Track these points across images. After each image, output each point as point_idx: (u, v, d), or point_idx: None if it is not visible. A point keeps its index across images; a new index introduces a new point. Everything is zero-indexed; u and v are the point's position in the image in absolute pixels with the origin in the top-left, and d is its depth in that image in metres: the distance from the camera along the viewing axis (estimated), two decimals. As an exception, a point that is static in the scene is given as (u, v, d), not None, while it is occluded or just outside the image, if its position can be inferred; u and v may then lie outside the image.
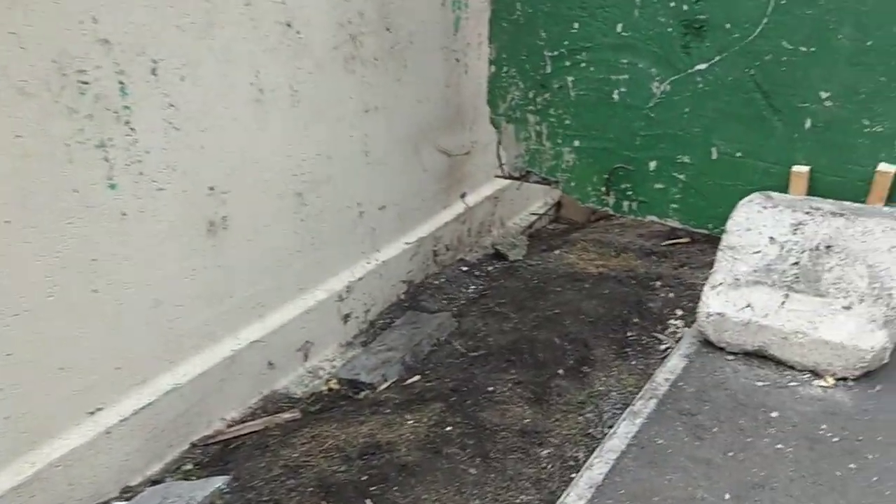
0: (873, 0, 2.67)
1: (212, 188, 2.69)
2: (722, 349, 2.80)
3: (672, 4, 3.08)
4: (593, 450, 2.39)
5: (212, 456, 2.71)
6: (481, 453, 2.43)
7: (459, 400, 2.76)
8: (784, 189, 3.04)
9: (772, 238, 2.78)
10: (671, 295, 3.44)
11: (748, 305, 2.71)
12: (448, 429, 2.59)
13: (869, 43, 2.71)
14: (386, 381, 3.10)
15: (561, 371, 2.92)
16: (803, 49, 2.85)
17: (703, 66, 3.10)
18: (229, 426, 2.91)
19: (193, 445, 2.80)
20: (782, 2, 2.84)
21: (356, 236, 3.50)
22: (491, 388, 2.82)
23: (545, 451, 2.45)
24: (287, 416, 2.94)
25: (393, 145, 3.60)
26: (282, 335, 3.12)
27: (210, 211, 2.70)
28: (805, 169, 2.96)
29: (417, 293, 3.88)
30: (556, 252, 4.08)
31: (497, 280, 3.94)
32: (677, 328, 3.17)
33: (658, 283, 3.54)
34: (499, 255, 4.40)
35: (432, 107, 3.83)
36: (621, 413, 2.59)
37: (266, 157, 2.88)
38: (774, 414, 2.43)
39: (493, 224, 4.64)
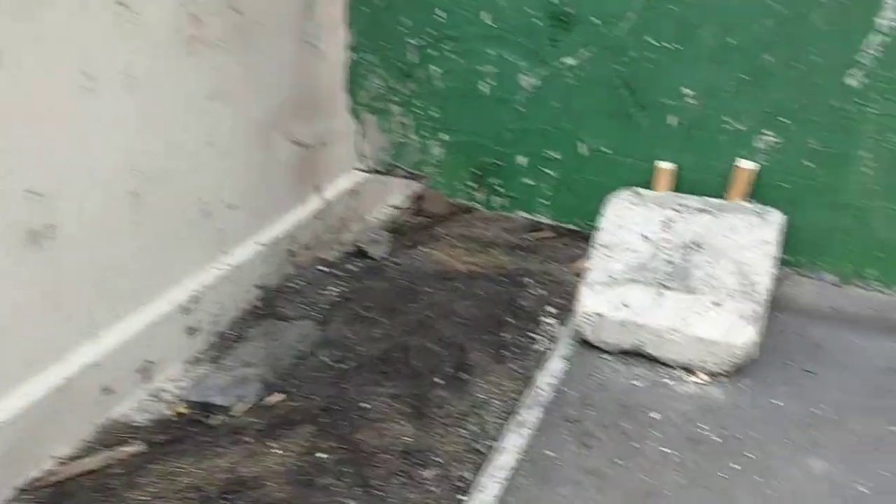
0: (736, -2, 2.73)
1: (32, 192, 2.27)
2: (599, 349, 2.78)
3: (539, -5, 3.01)
4: (480, 466, 2.26)
5: (44, 503, 2.32)
6: (361, 482, 2.24)
7: (331, 421, 2.54)
8: (651, 185, 3.07)
9: (644, 236, 2.78)
10: (542, 292, 3.40)
11: (624, 304, 2.70)
12: (321, 456, 2.37)
13: (731, 41, 2.76)
14: (244, 402, 2.81)
15: (439, 380, 2.77)
16: (668, 46, 2.87)
17: (571, 61, 3.06)
18: (63, 465, 2.51)
19: (21, 491, 2.39)
20: (649, -3, 2.84)
21: (202, 239, 3.16)
22: (365, 405, 2.63)
23: (431, 473, 2.29)
24: (130, 449, 2.57)
25: (242, 136, 3.28)
26: (119, 356, 2.74)
27: (30, 218, 2.29)
28: (670, 165, 2.99)
29: (274, 299, 3.58)
30: (422, 249, 3.93)
31: (361, 281, 3.73)
32: (551, 326, 3.13)
33: (528, 280, 3.48)
34: (361, 253, 4.18)
35: (285, 94, 3.54)
36: (505, 423, 2.49)
37: (98, 153, 2.49)
38: (656, 415, 2.43)
39: (352, 219, 4.41)
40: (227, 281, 3.31)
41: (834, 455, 2.28)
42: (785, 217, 2.71)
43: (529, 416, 2.41)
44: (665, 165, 2.99)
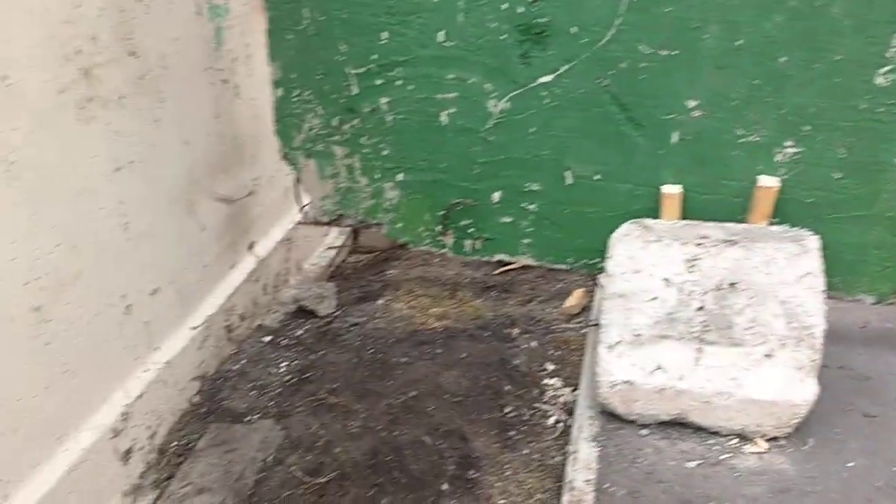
0: (739, -6, 2.39)
1: None
2: (632, 422, 2.41)
3: (504, 6, 2.58)
4: None
5: None
6: None
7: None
8: (653, 212, 2.71)
9: (666, 280, 2.42)
10: (533, 343, 3.00)
11: (658, 367, 2.33)
12: None
13: (738, 42, 2.42)
14: (209, 545, 2.29)
15: (444, 486, 2.33)
16: (664, 52, 2.50)
17: (547, 79, 2.65)
18: None
19: None
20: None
21: (125, 340, 2.59)
22: (366, 537, 2.16)
23: None
24: None
25: (159, 208, 2.72)
26: (39, 517, 2.16)
27: None
28: (677, 189, 2.64)
29: (215, 389, 3.04)
30: (380, 301, 3.46)
31: (315, 350, 3.24)
32: (556, 389, 2.74)
33: (514, 331, 3.08)
34: (304, 311, 3.67)
35: (203, 146, 2.98)
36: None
37: (-24, 270, 1.90)
38: (723, 505, 2.07)
39: (289, 272, 3.88)
40: (159, 383, 2.75)
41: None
42: (819, 238, 2.40)
43: (575, 528, 2.01)
44: (671, 189, 2.64)
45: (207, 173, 3.03)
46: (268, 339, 3.43)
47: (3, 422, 2.03)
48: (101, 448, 2.43)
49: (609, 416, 2.43)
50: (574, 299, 3.26)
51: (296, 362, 3.24)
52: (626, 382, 2.35)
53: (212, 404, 2.95)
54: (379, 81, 2.80)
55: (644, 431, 2.38)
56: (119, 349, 2.55)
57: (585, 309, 3.23)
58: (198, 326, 2.99)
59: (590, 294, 3.35)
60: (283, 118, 2.96)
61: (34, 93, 2.05)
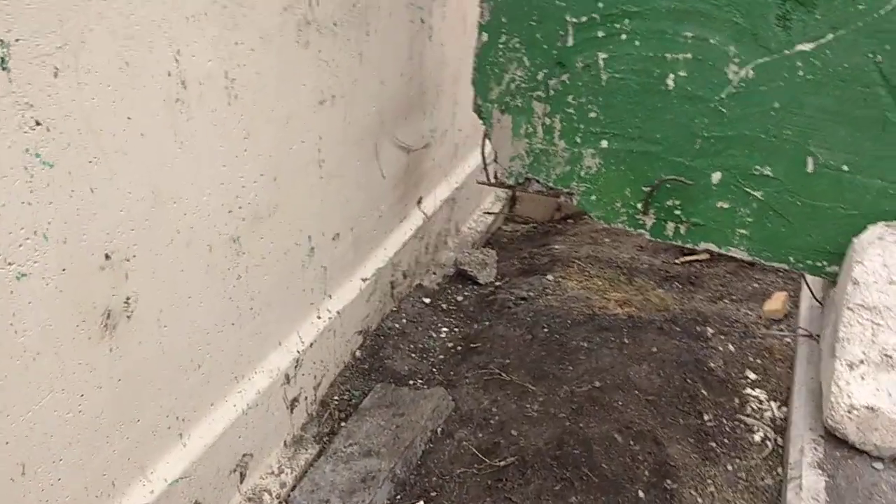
0: None
1: (108, 256, 1.59)
2: (864, 452, 2.11)
3: (770, -44, 2.28)
4: None
5: None
6: None
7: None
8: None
9: (930, 296, 2.09)
10: (730, 347, 2.72)
11: (914, 396, 2.02)
12: None
13: None
14: (377, 515, 2.17)
15: (640, 493, 2.11)
16: (958, 30, 2.15)
17: (807, 47, 2.33)
18: None
19: None
20: (938, -39, 2.11)
21: (305, 283, 2.48)
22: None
23: None
24: None
25: (350, 148, 2.58)
26: (211, 458, 2.08)
27: (104, 294, 1.61)
28: (943, 191, 2.29)
29: (377, 346, 2.92)
30: (549, 277, 3.25)
31: (478, 320, 3.07)
32: (760, 402, 2.47)
33: (707, 330, 2.81)
34: (463, 276, 3.51)
35: (394, 88, 2.83)
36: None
37: (188, 189, 1.80)
38: None
39: (448, 233, 3.73)
40: (330, 333, 2.65)
41: None
42: None
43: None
44: (935, 191, 2.29)
45: (394, 117, 2.88)
46: (427, 301, 3.29)
47: (188, 355, 1.95)
48: (273, 394, 2.35)
49: (836, 441, 2.15)
50: (776, 303, 2.96)
51: (458, 329, 3.09)
52: (868, 408, 2.06)
53: (372, 361, 2.84)
54: (600, 33, 2.56)
55: (879, 465, 2.09)
56: (298, 292, 2.44)
57: (788, 315, 2.93)
58: (368, 279, 2.87)
59: (793, 298, 3.03)
60: (483, 66, 2.75)
61: (260, 8, 1.92)
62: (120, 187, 1.58)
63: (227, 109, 1.87)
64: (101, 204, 1.54)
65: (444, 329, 3.10)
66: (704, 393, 2.49)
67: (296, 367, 2.44)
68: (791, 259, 2.62)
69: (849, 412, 2.08)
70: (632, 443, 2.27)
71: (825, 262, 2.58)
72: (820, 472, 2.07)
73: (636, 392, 2.46)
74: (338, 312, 2.68)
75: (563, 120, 2.73)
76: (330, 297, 2.67)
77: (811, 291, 2.93)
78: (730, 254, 2.73)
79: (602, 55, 2.58)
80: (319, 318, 2.60)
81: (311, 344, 2.52)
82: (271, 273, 2.24)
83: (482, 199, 4.14)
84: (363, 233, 2.82)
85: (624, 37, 2.53)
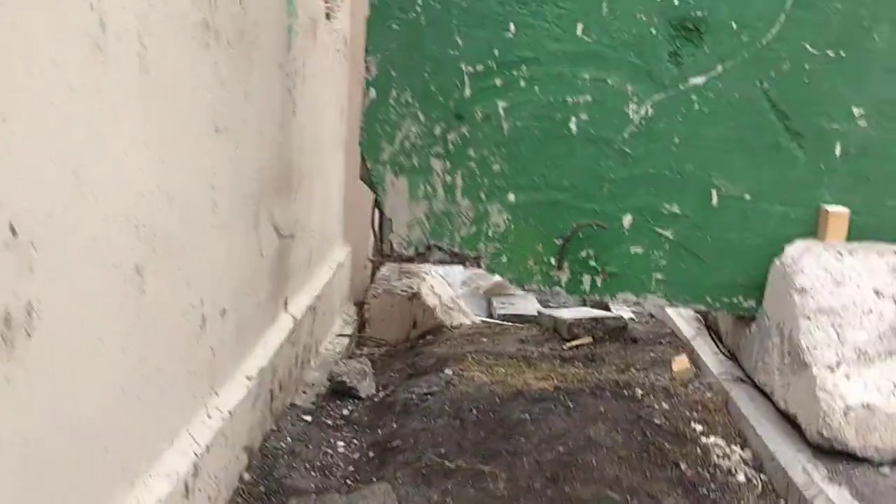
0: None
1: (14, 230, 1.08)
2: (867, 460, 2.00)
3: (656, -2, 2.42)
4: None
5: None
6: None
7: None
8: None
9: (877, 291, 2.14)
10: (665, 405, 2.56)
11: (903, 383, 1.98)
12: None
13: (913, 43, 2.35)
14: None
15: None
16: (830, 54, 2.39)
17: (699, 80, 2.45)
18: None
19: None
20: (804, -6, 2.37)
21: (196, 363, 1.95)
22: None
23: None
24: None
25: (238, 203, 2.19)
26: None
27: (5, 285, 1.07)
28: (843, 210, 2.42)
29: (267, 467, 2.35)
30: (447, 371, 2.93)
31: (379, 425, 2.64)
32: (721, 448, 2.30)
33: (637, 391, 2.63)
34: (338, 393, 3.05)
35: (270, 152, 2.52)
36: None
37: (108, 167, 1.33)
38: None
39: (311, 349, 3.28)
40: (221, 440, 2.07)
41: None
42: None
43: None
44: (837, 210, 2.42)
45: (270, 186, 2.53)
46: (307, 419, 2.79)
47: (95, 428, 1.36)
48: (169, 509, 1.72)
49: (833, 454, 2.02)
50: (682, 364, 2.89)
51: (357, 441, 2.63)
52: (864, 406, 1.97)
53: (269, 482, 2.27)
54: (498, 81, 2.50)
55: (885, 470, 1.98)
56: (190, 375, 1.90)
57: (697, 374, 2.86)
58: (252, 378, 2.35)
59: (692, 356, 2.99)
60: (373, 125, 2.56)
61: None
62: (28, 138, 1.10)
63: (141, 77, 1.46)
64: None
65: (341, 443, 2.62)
66: (668, 446, 2.27)
67: (193, 476, 1.84)
68: (708, 299, 2.60)
69: (845, 415, 1.98)
70: (629, 498, 1.96)
71: (741, 298, 2.58)
72: (837, 485, 1.91)
73: (604, 450, 2.18)
74: (229, 413, 2.13)
75: (465, 176, 2.57)
76: (216, 393, 2.12)
77: (715, 342, 2.92)
78: (647, 301, 2.65)
79: (502, 104, 2.52)
80: (210, 417, 2.04)
81: (208, 449, 1.94)
82: (172, 330, 1.72)
83: (333, 320, 3.76)
84: (245, 319, 2.34)
85: (523, 83, 2.50)
